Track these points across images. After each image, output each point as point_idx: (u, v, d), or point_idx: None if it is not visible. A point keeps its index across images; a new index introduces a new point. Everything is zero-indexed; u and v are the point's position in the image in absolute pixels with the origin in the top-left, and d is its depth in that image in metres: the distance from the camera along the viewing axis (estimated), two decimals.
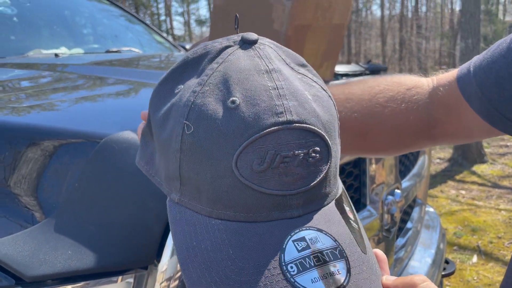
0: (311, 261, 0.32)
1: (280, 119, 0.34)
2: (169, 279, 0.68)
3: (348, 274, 0.33)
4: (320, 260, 0.33)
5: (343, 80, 1.14)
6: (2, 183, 0.70)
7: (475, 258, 2.94)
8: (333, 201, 0.38)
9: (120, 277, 0.65)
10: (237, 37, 0.40)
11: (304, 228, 0.34)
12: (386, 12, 22.47)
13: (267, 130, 0.33)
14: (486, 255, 3.01)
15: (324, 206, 0.37)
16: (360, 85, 0.66)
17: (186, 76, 0.39)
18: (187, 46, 2.75)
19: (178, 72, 0.41)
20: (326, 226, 0.36)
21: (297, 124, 0.34)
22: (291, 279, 0.31)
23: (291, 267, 0.32)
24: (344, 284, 0.32)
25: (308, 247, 0.33)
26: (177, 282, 0.68)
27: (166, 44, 2.54)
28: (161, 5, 23.98)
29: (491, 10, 27.21)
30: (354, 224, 0.38)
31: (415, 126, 0.63)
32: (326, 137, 0.36)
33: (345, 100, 0.60)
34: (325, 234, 0.35)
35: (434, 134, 0.65)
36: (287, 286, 0.31)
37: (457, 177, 4.87)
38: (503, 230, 3.44)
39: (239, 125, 0.34)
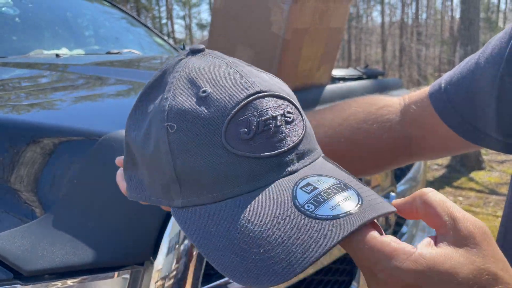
0: (322, 196, 0.35)
1: (251, 91, 0.38)
2: (164, 277, 0.69)
3: (359, 197, 0.35)
4: (330, 193, 0.35)
5: (341, 83, 1.16)
6: (2, 179, 0.71)
7: None
8: (321, 156, 0.42)
9: (116, 273, 0.66)
10: (185, 51, 0.44)
11: (306, 176, 0.37)
12: (387, 19, 22.56)
13: (243, 102, 0.37)
14: None
15: (317, 158, 0.41)
16: (332, 109, 0.68)
17: (153, 95, 0.42)
18: (187, 48, 2.77)
19: (146, 95, 0.43)
20: (325, 171, 0.39)
21: (267, 92, 0.39)
22: (312, 214, 0.34)
23: (308, 206, 0.34)
24: (359, 203, 0.34)
25: (315, 188, 0.36)
26: (172, 280, 0.69)
27: (167, 47, 2.56)
28: (163, 8, 24.05)
29: (491, 18, 27.36)
30: (347, 172, 0.41)
31: (390, 145, 0.64)
32: (292, 100, 0.41)
33: (317, 126, 0.58)
34: (327, 176, 0.38)
35: (410, 151, 0.66)
36: (310, 221, 0.33)
37: (455, 184, 4.88)
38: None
39: (217, 107, 0.37)
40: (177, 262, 0.70)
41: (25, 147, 0.75)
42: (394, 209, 0.36)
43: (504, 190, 4.65)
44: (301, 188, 0.36)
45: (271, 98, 0.39)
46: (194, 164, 0.37)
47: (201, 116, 0.37)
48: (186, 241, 0.71)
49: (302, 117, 0.41)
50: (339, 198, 0.35)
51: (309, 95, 1.03)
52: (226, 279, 0.75)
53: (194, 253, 0.72)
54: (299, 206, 0.35)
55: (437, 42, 21.62)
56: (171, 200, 0.40)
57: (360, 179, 0.42)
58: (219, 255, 0.34)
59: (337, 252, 0.95)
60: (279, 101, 0.39)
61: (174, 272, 0.69)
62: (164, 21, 23.60)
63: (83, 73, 1.16)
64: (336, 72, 1.24)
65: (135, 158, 0.43)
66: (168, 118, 0.38)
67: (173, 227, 0.69)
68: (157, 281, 0.68)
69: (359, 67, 1.33)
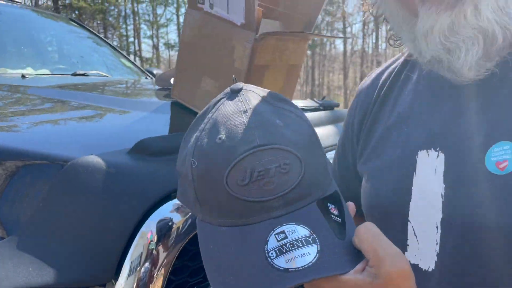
0: (287, 247, 0.43)
1: (252, 145, 0.46)
2: None
3: (318, 254, 0.42)
4: (294, 246, 0.43)
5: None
6: None
7: None
8: (315, 201, 0.48)
9: None
10: (228, 89, 0.53)
11: (285, 224, 0.45)
12: (349, 47, 23.47)
13: (244, 154, 0.45)
14: None
15: (306, 205, 0.47)
16: None
17: (196, 128, 0.52)
18: (155, 72, 2.80)
19: (192, 126, 0.54)
20: (304, 221, 0.45)
21: (265, 146, 0.46)
22: (271, 262, 0.42)
23: (272, 253, 0.43)
24: (313, 261, 0.42)
25: (285, 237, 0.44)
26: None
27: (134, 69, 2.59)
28: (130, 27, 23.91)
29: None
30: (336, 218, 0.48)
31: None
32: (295, 152, 0.47)
33: None
34: (302, 227, 0.45)
35: None
36: (267, 267, 0.42)
37: None
38: None
39: (225, 155, 0.46)
40: (137, 284, 0.74)
41: None
42: (342, 271, 0.42)
43: None
44: (275, 234, 0.44)
45: (270, 151, 0.46)
46: (205, 194, 0.48)
47: (213, 160, 0.46)
48: (146, 264, 0.75)
49: (302, 166, 0.47)
50: (298, 252, 0.43)
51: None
52: None
53: (154, 275, 0.75)
54: (266, 251, 0.43)
55: None
56: (196, 212, 0.51)
57: (343, 227, 0.47)
58: (208, 267, 0.48)
59: None
60: (278, 153, 0.46)
61: None
62: (131, 39, 23.46)
63: (49, 97, 1.18)
64: (295, 103, 1.32)
65: (180, 173, 0.53)
66: (194, 155, 0.48)
67: (134, 250, 0.72)
68: None
69: (316, 99, 1.42)
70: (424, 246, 0.57)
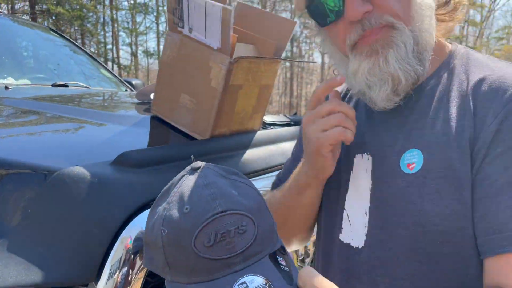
0: None
1: (214, 212, 0.54)
2: None
3: None
4: None
5: (270, 129, 1.33)
6: None
7: None
8: (267, 255, 0.58)
9: None
10: (189, 167, 0.61)
11: (246, 275, 0.53)
12: (327, 60, 23.93)
13: (207, 221, 0.54)
14: None
15: (260, 259, 0.56)
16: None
17: (162, 201, 0.60)
18: (133, 82, 2.85)
19: (159, 199, 0.61)
20: (260, 272, 0.54)
21: (225, 212, 0.55)
22: None
23: None
24: None
25: (247, 286, 0.52)
26: None
27: (113, 79, 2.64)
28: (109, 34, 23.71)
29: None
30: (284, 268, 0.58)
31: None
32: (249, 215, 0.56)
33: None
34: (259, 277, 0.53)
35: None
36: None
37: None
38: None
39: (192, 222, 0.54)
40: (115, 286, 0.80)
41: None
42: None
43: None
44: (238, 285, 0.53)
45: (229, 216, 0.55)
46: (175, 257, 0.56)
47: (182, 227, 0.54)
48: (125, 267, 0.81)
49: (255, 227, 0.57)
50: None
51: (243, 139, 1.18)
52: None
53: (132, 278, 0.82)
54: None
55: None
56: (165, 275, 0.58)
57: (291, 274, 0.57)
58: None
59: None
60: (236, 217, 0.55)
61: None
62: (109, 46, 23.24)
63: (32, 109, 1.23)
64: (268, 118, 1.41)
65: (147, 241, 0.61)
66: (163, 224, 0.56)
67: (115, 255, 0.79)
68: None
69: (287, 114, 1.52)
70: (356, 229, 0.73)
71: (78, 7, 19.85)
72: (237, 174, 0.63)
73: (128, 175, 0.86)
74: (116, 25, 23.56)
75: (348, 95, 0.87)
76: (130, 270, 0.82)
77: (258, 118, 1.24)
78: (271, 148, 1.18)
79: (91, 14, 21.37)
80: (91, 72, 2.57)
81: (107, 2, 23.19)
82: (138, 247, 0.80)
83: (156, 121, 1.16)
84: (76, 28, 21.40)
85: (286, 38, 1.14)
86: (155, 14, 25.63)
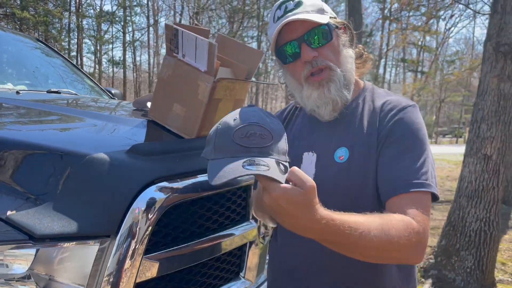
0: (254, 164, 0.82)
1: (250, 121, 0.88)
2: (122, 247, 1.09)
3: (269, 171, 0.81)
4: (259, 164, 0.82)
5: None
6: (22, 183, 1.08)
7: None
8: (274, 159, 0.85)
9: (92, 241, 1.05)
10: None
11: (256, 158, 0.83)
12: None
13: (244, 123, 0.87)
14: None
15: (269, 156, 0.85)
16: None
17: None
18: (113, 91, 3.13)
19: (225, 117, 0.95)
20: (265, 162, 0.82)
21: (256, 123, 0.87)
22: (245, 167, 0.81)
23: (245, 164, 0.82)
24: (266, 172, 0.80)
25: (254, 162, 0.82)
26: (128, 248, 1.09)
27: (96, 88, 2.91)
28: (74, 41, 23.40)
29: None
30: (282, 167, 0.84)
31: None
32: (271, 131, 0.88)
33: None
34: (263, 161, 0.82)
35: None
36: (243, 170, 0.80)
37: None
38: None
39: (236, 123, 0.87)
40: (127, 238, 1.11)
41: (33, 159, 1.12)
42: (280, 180, 0.80)
43: None
44: (250, 159, 0.83)
45: (258, 126, 0.87)
46: (220, 143, 0.87)
47: (229, 125, 0.88)
48: (135, 227, 1.12)
49: (272, 139, 0.87)
50: (258, 167, 0.82)
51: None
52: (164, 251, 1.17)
53: (141, 236, 1.13)
54: (244, 164, 0.81)
55: None
56: (210, 156, 0.88)
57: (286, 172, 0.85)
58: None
59: (228, 247, 1.42)
60: (262, 128, 0.87)
61: (132, 248, 1.10)
62: (73, 53, 22.95)
63: (51, 110, 1.52)
64: None
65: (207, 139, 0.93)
66: (220, 123, 0.90)
67: (130, 214, 1.10)
68: (118, 249, 1.08)
69: None
70: None
71: (43, 12, 19.62)
72: (276, 118, 0.96)
73: (139, 161, 1.18)
74: (81, 32, 23.35)
75: (296, 110, 1.25)
76: (138, 229, 1.13)
77: None
78: None
79: (56, 20, 21.14)
80: (76, 80, 2.83)
81: (73, 9, 22.99)
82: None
83: (153, 123, 1.48)
84: (40, 33, 21.07)
85: (255, 64, 1.50)
86: (122, 23, 25.61)
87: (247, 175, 0.80)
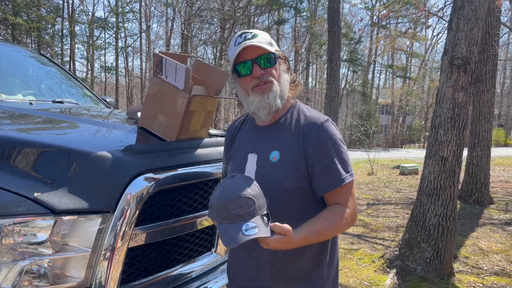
0: (248, 230, 1.24)
1: (237, 195, 1.28)
2: (118, 219, 1.48)
3: (258, 231, 1.23)
4: (253, 229, 1.23)
5: (214, 138, 2.08)
6: (43, 173, 1.47)
7: None
8: (259, 215, 1.27)
9: (96, 215, 1.44)
10: (229, 176, 1.37)
11: (249, 222, 1.24)
12: None
13: (234, 198, 1.27)
14: None
15: (257, 215, 1.27)
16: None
17: (217, 187, 1.36)
18: (108, 100, 3.51)
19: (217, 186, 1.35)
20: (255, 220, 1.26)
21: (242, 195, 1.27)
22: (244, 232, 1.23)
23: (244, 230, 1.23)
24: (256, 233, 1.22)
25: (248, 226, 1.24)
26: (123, 221, 1.48)
27: (93, 97, 3.29)
28: (67, 46, 23.65)
29: (366, 93, 31.96)
30: (266, 221, 1.27)
31: None
32: (253, 198, 1.26)
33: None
34: (253, 223, 1.25)
35: None
36: (242, 237, 1.21)
37: None
38: None
39: (229, 197, 1.27)
40: (122, 215, 1.50)
41: (47, 156, 1.51)
42: (269, 235, 1.23)
43: (350, 230, 5.93)
44: (245, 224, 1.23)
45: (244, 197, 1.24)
46: (220, 212, 1.27)
47: (225, 199, 1.26)
48: (128, 206, 1.51)
49: (255, 203, 1.24)
50: (251, 231, 1.22)
51: (195, 142, 1.92)
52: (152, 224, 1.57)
53: (132, 212, 1.52)
54: (241, 230, 1.21)
55: (322, 108, 24.59)
56: (216, 221, 1.31)
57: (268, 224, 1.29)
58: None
59: (200, 226, 1.82)
60: (247, 198, 1.24)
61: (124, 218, 1.49)
62: (66, 58, 23.25)
63: (61, 119, 1.92)
64: (212, 131, 2.17)
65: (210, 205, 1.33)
66: (217, 197, 1.29)
67: (123, 197, 1.49)
68: (116, 224, 1.47)
69: (225, 129, 2.27)
70: None
71: (36, 18, 19.91)
72: (250, 178, 1.33)
73: (131, 157, 1.57)
74: (74, 38, 23.63)
75: (244, 121, 1.62)
76: (130, 208, 1.52)
77: (205, 131, 1.99)
78: (211, 149, 1.93)
79: (49, 26, 21.43)
80: (76, 91, 3.21)
81: (65, 15, 23.28)
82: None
83: (142, 129, 1.88)
84: (33, 38, 21.34)
85: (223, 83, 1.90)
86: (114, 29, 25.93)
87: (248, 239, 1.20)
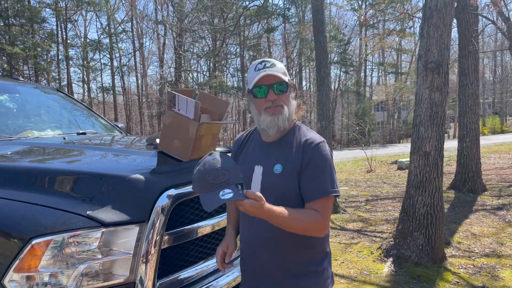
0: (224, 195, 1.47)
1: (216, 167, 1.53)
2: (152, 227, 1.88)
3: (233, 195, 1.46)
4: (228, 194, 1.47)
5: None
6: (91, 196, 1.88)
7: None
8: (234, 184, 1.51)
9: (134, 225, 1.85)
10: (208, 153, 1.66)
11: (225, 189, 1.48)
12: None
13: (213, 170, 1.53)
14: None
15: (232, 184, 1.50)
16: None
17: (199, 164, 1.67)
18: (119, 125, 3.92)
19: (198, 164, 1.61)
20: (231, 188, 1.49)
21: (219, 168, 1.52)
22: (220, 198, 1.46)
23: (222, 195, 1.47)
24: (231, 197, 1.46)
25: (225, 190, 1.48)
26: (156, 231, 1.89)
27: (108, 126, 3.70)
28: (64, 71, 24.12)
29: (359, 92, 32.48)
30: (240, 188, 1.52)
31: None
32: (229, 170, 1.51)
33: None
34: (229, 189, 1.48)
35: None
36: (219, 200, 1.47)
37: None
38: (339, 255, 4.98)
39: (208, 170, 1.53)
40: (155, 224, 1.91)
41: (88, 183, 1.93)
42: (244, 198, 1.46)
43: (351, 226, 6.34)
44: (223, 190, 1.46)
45: (218, 170, 1.48)
46: (200, 184, 1.52)
47: (204, 171, 1.51)
48: (158, 217, 1.92)
49: (229, 175, 1.47)
50: (228, 195, 1.51)
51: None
52: (182, 228, 1.98)
53: (162, 222, 1.92)
54: (220, 196, 1.45)
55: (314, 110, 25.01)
56: (198, 190, 1.55)
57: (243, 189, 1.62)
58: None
59: (216, 228, 2.23)
60: (223, 170, 1.49)
61: (155, 226, 1.89)
62: (64, 82, 23.74)
63: (93, 151, 2.33)
64: (218, 149, 2.58)
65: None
66: (197, 171, 1.54)
67: (155, 209, 1.90)
68: (151, 231, 1.87)
69: (226, 146, 2.68)
70: None
71: (32, 46, 20.44)
72: (225, 155, 1.62)
73: (157, 177, 1.98)
74: (70, 62, 24.15)
75: (252, 134, 1.93)
76: (160, 217, 1.92)
77: (212, 150, 2.40)
78: None
79: (45, 52, 21.95)
80: (93, 122, 3.63)
81: (60, 40, 23.79)
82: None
83: (161, 153, 2.30)
84: (30, 66, 21.84)
85: (224, 110, 2.32)
86: (108, 50, 26.45)
87: (224, 202, 1.44)
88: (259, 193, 1.50)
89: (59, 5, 22.41)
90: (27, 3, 20.87)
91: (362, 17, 26.29)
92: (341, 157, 18.78)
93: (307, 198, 1.67)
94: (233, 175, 1.50)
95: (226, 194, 1.45)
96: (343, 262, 4.72)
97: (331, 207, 1.71)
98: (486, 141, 22.62)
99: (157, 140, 2.36)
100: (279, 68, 1.73)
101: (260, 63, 1.75)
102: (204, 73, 29.01)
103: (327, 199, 1.67)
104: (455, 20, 8.81)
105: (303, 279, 1.76)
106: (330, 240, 5.27)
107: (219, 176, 1.48)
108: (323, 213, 1.64)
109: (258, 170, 1.77)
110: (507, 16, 10.09)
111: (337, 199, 7.38)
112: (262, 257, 1.78)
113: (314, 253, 1.79)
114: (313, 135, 1.76)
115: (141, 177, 1.94)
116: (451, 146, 12.97)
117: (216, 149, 2.57)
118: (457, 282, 4.11)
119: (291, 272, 1.75)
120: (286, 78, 1.73)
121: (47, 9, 22.67)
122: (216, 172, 1.49)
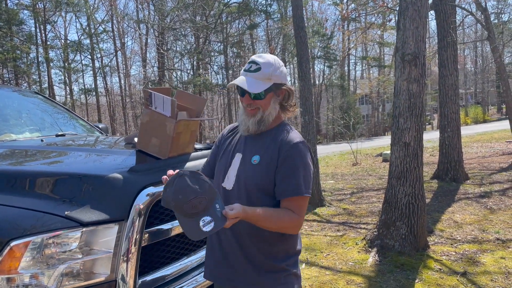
0: (206, 224, 1.49)
1: (191, 197, 1.50)
2: (131, 225, 1.89)
3: (214, 225, 1.48)
4: (210, 222, 1.49)
5: (199, 152, 2.51)
6: (69, 196, 1.88)
7: (303, 265, 4.42)
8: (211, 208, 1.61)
9: (114, 223, 1.86)
10: (176, 173, 1.57)
11: (205, 217, 1.49)
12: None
13: (189, 200, 1.49)
14: (311, 263, 4.52)
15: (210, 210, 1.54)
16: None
17: (167, 186, 1.61)
18: (100, 126, 3.90)
19: (165, 185, 1.57)
20: (210, 215, 1.52)
21: (195, 197, 1.50)
22: (202, 230, 1.47)
23: (204, 226, 1.48)
24: (212, 227, 1.48)
25: (204, 220, 1.49)
26: (134, 229, 1.90)
27: (87, 126, 3.69)
28: (44, 73, 23.76)
29: (343, 85, 32.73)
30: (218, 209, 1.54)
31: None
32: (204, 196, 1.50)
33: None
34: (209, 216, 1.50)
35: None
36: (202, 233, 1.48)
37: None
38: (324, 248, 5.04)
39: (182, 199, 1.49)
40: (134, 223, 1.92)
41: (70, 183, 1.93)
42: (224, 225, 1.49)
43: (336, 219, 6.42)
44: (203, 226, 1.45)
45: (195, 199, 1.46)
46: (181, 212, 1.49)
47: (178, 201, 1.48)
48: (137, 215, 1.93)
49: (206, 198, 1.47)
50: (210, 225, 1.51)
51: (184, 157, 2.34)
52: (161, 226, 1.99)
53: (141, 220, 1.94)
54: (201, 227, 1.45)
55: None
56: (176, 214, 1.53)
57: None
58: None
59: None
60: (197, 199, 1.47)
61: (135, 223, 1.90)
62: (45, 85, 23.39)
63: (71, 151, 2.32)
64: (197, 146, 2.60)
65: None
66: (172, 199, 1.50)
67: (133, 207, 1.91)
68: (130, 229, 1.89)
69: (209, 142, 2.70)
70: (230, 181, 1.79)
71: (10, 48, 20.07)
72: (197, 174, 1.62)
73: (135, 175, 1.99)
74: (51, 64, 23.79)
75: (236, 129, 1.97)
76: (139, 215, 1.94)
77: (191, 147, 2.42)
78: (197, 161, 2.35)
79: (24, 55, 21.58)
80: (72, 123, 3.60)
81: (39, 41, 23.41)
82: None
83: (139, 152, 2.31)
84: (10, 69, 21.46)
85: (202, 107, 2.34)
86: (89, 51, 26.13)
87: (207, 235, 1.45)
88: (236, 211, 1.54)
89: (37, 6, 22.03)
90: (4, 5, 20.47)
91: (344, 11, 26.44)
92: (327, 151, 18.93)
93: (281, 195, 1.70)
94: (209, 198, 1.51)
95: (207, 224, 1.46)
96: (328, 254, 4.79)
97: (306, 206, 1.75)
98: (468, 131, 23.03)
99: (135, 139, 2.36)
100: (261, 73, 1.74)
101: (249, 63, 1.76)
102: (188, 71, 28.88)
103: (302, 198, 1.71)
104: (433, 12, 8.95)
105: (271, 274, 1.79)
106: (316, 233, 5.32)
107: (197, 205, 1.47)
108: (298, 212, 1.69)
109: (237, 158, 1.83)
110: (484, 6, 10.27)
111: (323, 193, 7.45)
112: (234, 249, 1.81)
113: (285, 248, 1.82)
114: (293, 135, 1.79)
115: (120, 176, 1.94)
116: (434, 136, 13.16)
117: (195, 146, 2.58)
118: (440, 269, 4.20)
119: (260, 265, 1.78)
120: (264, 86, 1.74)
121: (25, 11, 22.30)
122: (192, 202, 1.47)
